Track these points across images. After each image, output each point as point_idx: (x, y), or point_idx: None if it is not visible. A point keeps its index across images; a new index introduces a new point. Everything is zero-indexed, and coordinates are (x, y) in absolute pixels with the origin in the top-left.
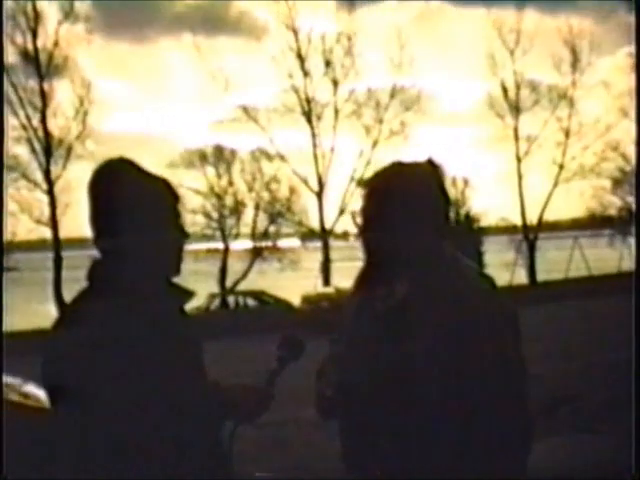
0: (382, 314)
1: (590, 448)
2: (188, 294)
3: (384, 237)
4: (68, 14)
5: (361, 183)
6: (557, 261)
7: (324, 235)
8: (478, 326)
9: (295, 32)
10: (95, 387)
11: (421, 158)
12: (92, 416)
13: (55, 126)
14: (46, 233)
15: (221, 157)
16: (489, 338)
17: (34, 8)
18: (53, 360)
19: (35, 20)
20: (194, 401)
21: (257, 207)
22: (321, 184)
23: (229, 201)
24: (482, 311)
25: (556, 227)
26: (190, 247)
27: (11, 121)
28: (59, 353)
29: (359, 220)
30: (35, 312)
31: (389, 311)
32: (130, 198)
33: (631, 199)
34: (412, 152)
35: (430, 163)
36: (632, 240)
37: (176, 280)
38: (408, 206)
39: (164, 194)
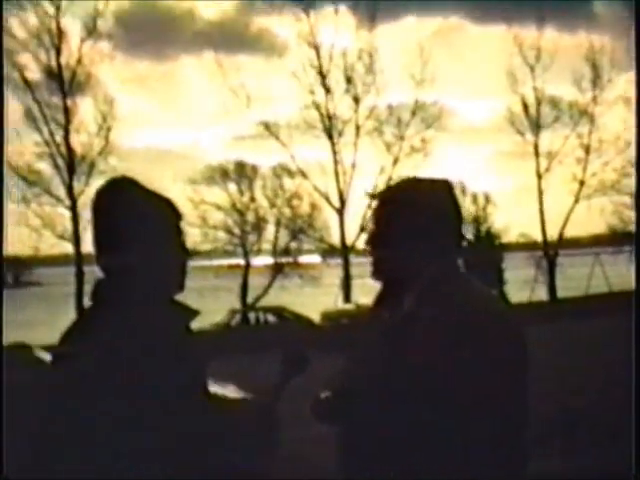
0: (389, 328)
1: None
2: (192, 312)
3: (392, 252)
4: (91, 32)
5: (374, 196)
6: (577, 278)
7: (345, 251)
8: (480, 346)
9: (316, 49)
10: (98, 405)
11: (442, 174)
12: (95, 432)
13: (78, 142)
14: (68, 248)
15: (243, 173)
16: (492, 360)
17: (58, 26)
18: (58, 377)
19: (59, 38)
20: (194, 418)
21: (278, 223)
22: (342, 200)
23: (250, 217)
24: (486, 333)
25: (577, 243)
26: (211, 263)
27: (34, 137)
28: (64, 370)
29: (369, 231)
30: (57, 327)
31: (395, 325)
32: (132, 217)
33: None
34: (433, 169)
35: (444, 181)
36: None
37: (196, 298)
38: (419, 222)
39: (166, 212)
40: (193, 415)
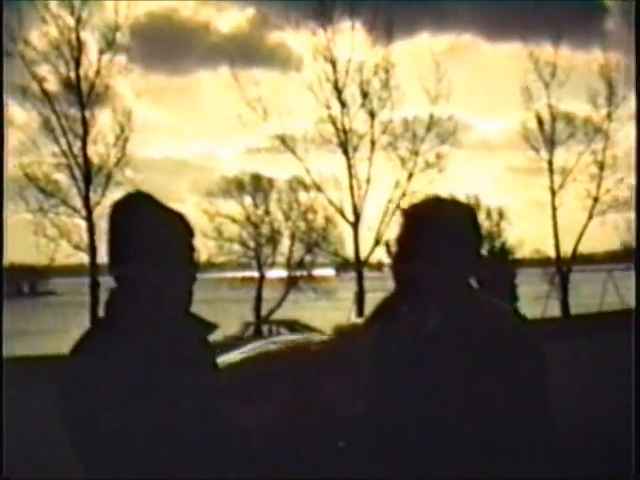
0: (412, 344)
1: None
2: (210, 326)
3: (416, 268)
4: (110, 44)
5: (399, 212)
6: (590, 294)
7: (359, 266)
8: (507, 361)
9: (333, 63)
10: (111, 413)
11: (456, 190)
12: (107, 443)
13: (95, 153)
14: (84, 258)
15: (258, 186)
16: (518, 374)
17: (77, 38)
18: (69, 388)
19: (78, 50)
20: (207, 431)
21: (293, 236)
22: (357, 214)
23: (265, 230)
24: (512, 347)
25: (590, 260)
26: (226, 275)
27: (52, 148)
28: (76, 380)
29: (393, 249)
30: (72, 336)
31: (419, 342)
32: (146, 230)
33: None
34: (447, 184)
35: (466, 201)
36: None
37: (209, 309)
38: (442, 240)
39: (179, 229)
40: (211, 429)
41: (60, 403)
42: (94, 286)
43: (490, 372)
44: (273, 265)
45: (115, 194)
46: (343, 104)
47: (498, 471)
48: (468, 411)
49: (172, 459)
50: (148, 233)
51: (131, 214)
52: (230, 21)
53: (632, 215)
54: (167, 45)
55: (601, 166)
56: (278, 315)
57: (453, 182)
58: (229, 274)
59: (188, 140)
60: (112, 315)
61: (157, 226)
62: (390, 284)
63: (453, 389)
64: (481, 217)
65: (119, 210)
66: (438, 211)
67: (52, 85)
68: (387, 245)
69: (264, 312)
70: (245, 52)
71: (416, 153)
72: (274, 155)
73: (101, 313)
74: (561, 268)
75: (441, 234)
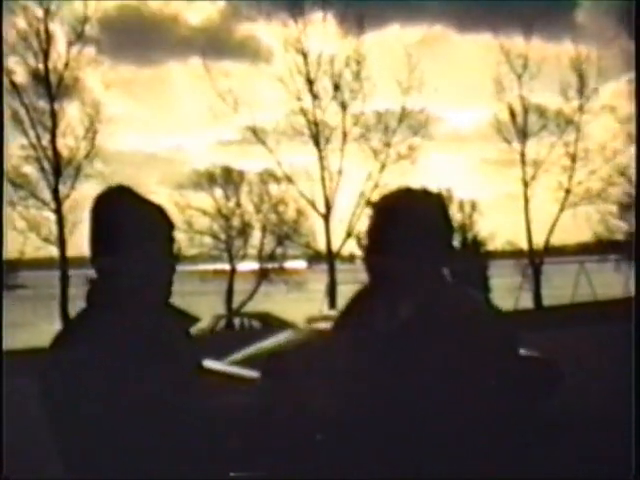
0: (384, 335)
1: None
2: (192, 319)
3: (388, 259)
4: (79, 36)
5: (369, 205)
6: (563, 286)
7: (331, 258)
8: (480, 350)
9: (304, 55)
10: (93, 404)
11: (428, 182)
12: (91, 431)
13: (64, 146)
14: (53, 251)
15: (229, 178)
16: (491, 363)
17: (46, 30)
18: (52, 377)
19: (47, 42)
20: (189, 421)
21: (264, 229)
22: (328, 207)
23: (236, 222)
24: (485, 336)
25: (562, 252)
26: (197, 268)
27: (21, 140)
28: (58, 371)
29: (364, 241)
30: (41, 330)
31: (392, 332)
32: (127, 223)
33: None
34: (420, 176)
35: (436, 191)
36: None
37: (181, 302)
38: (413, 230)
39: (159, 221)
40: (187, 416)
41: (42, 395)
42: (64, 279)
43: (462, 360)
44: (244, 257)
45: (84, 187)
46: (315, 96)
47: (472, 459)
48: (442, 400)
49: (154, 452)
50: (129, 225)
51: (113, 207)
52: (200, 12)
53: (609, 207)
54: (136, 36)
55: (573, 158)
56: (250, 307)
57: (425, 174)
58: (200, 267)
59: (158, 132)
60: (94, 306)
61: (138, 218)
62: (362, 276)
63: (425, 379)
64: (453, 209)
65: (101, 203)
66: (408, 202)
67: (20, 77)
68: (358, 238)
69: (235, 305)
70: (216, 44)
71: (388, 145)
72: (245, 147)
73: (82, 304)
74: (533, 260)
75: (411, 225)
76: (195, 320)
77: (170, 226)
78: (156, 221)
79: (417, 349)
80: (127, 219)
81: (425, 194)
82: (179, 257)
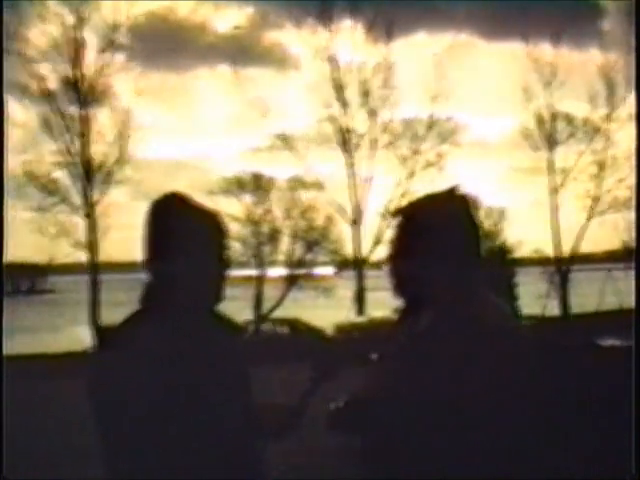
0: (406, 343)
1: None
2: (236, 327)
3: (412, 268)
4: (110, 43)
5: (392, 213)
6: (590, 294)
7: (359, 264)
8: (496, 361)
9: (333, 62)
10: (143, 406)
11: (452, 190)
12: (140, 434)
13: (95, 152)
14: (83, 257)
15: (258, 185)
16: (505, 375)
17: (77, 37)
18: (102, 379)
19: (78, 49)
20: (235, 424)
21: (293, 235)
22: (357, 213)
23: (265, 228)
24: (502, 348)
25: (590, 259)
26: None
27: (52, 146)
28: (108, 372)
29: (388, 250)
30: (70, 334)
31: (412, 340)
32: (182, 229)
33: None
34: (448, 183)
35: (461, 195)
36: None
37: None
38: (437, 237)
39: (213, 227)
40: (234, 420)
41: (89, 395)
42: (94, 284)
43: (480, 371)
44: (273, 264)
45: (115, 192)
46: (343, 103)
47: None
48: (459, 411)
49: (196, 454)
50: (184, 231)
51: (169, 212)
52: (229, 19)
53: (632, 216)
54: (166, 44)
55: (601, 166)
56: (278, 314)
57: (453, 181)
58: (230, 272)
59: (187, 139)
60: (147, 309)
61: (193, 224)
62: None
63: (442, 388)
64: (481, 216)
65: (157, 208)
66: (430, 208)
67: (52, 83)
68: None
69: (264, 311)
70: (245, 51)
71: (417, 152)
72: (274, 154)
73: (136, 305)
74: (560, 267)
75: (434, 231)
76: (240, 328)
77: (223, 232)
78: (210, 227)
79: (433, 359)
80: (182, 225)
81: (449, 198)
82: (230, 263)
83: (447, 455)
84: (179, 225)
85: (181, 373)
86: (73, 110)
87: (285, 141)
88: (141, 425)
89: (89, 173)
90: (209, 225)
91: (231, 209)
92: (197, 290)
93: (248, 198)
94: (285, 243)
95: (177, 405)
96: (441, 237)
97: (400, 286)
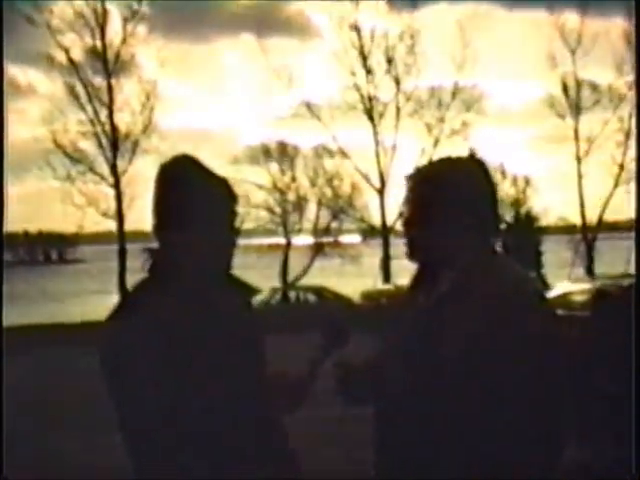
0: (423, 310)
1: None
2: (252, 290)
3: (428, 233)
4: (135, 13)
5: (409, 176)
6: (615, 262)
7: (385, 232)
8: (512, 329)
9: (357, 30)
10: (155, 373)
11: (481, 157)
12: (152, 401)
13: (121, 121)
14: (112, 226)
15: (284, 153)
16: (523, 342)
17: (103, 7)
18: (113, 346)
19: (103, 18)
20: (250, 392)
21: (319, 203)
22: (383, 181)
23: (292, 197)
24: (519, 314)
25: (615, 227)
26: (253, 241)
27: (79, 116)
28: (120, 340)
29: (404, 213)
30: (99, 303)
31: (428, 307)
32: (191, 195)
33: None
34: (473, 151)
35: (479, 159)
36: None
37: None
38: (454, 202)
39: (223, 193)
40: (249, 387)
41: (101, 365)
42: (122, 253)
43: (498, 339)
44: (300, 232)
45: (141, 161)
46: (368, 71)
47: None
48: (474, 381)
49: (212, 413)
50: (194, 197)
51: (178, 178)
52: None
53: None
54: (189, 14)
55: (627, 134)
56: (304, 281)
57: (479, 149)
58: (256, 241)
59: (213, 108)
60: (155, 276)
61: (203, 190)
62: None
63: (458, 354)
64: (507, 184)
65: (166, 173)
66: (447, 171)
67: (77, 54)
68: (401, 215)
69: (290, 278)
70: (268, 19)
71: (442, 120)
72: (299, 122)
73: (140, 277)
74: (586, 235)
75: (450, 194)
76: (255, 291)
77: (233, 199)
78: (220, 193)
79: (451, 324)
80: (192, 191)
81: (466, 162)
82: (239, 230)
83: (473, 420)
84: (189, 191)
85: (192, 338)
86: (99, 81)
87: (310, 110)
88: (153, 392)
89: (116, 142)
90: (219, 191)
91: (257, 178)
92: (207, 257)
93: (274, 167)
94: (311, 211)
95: (188, 370)
96: (458, 200)
97: (415, 251)
